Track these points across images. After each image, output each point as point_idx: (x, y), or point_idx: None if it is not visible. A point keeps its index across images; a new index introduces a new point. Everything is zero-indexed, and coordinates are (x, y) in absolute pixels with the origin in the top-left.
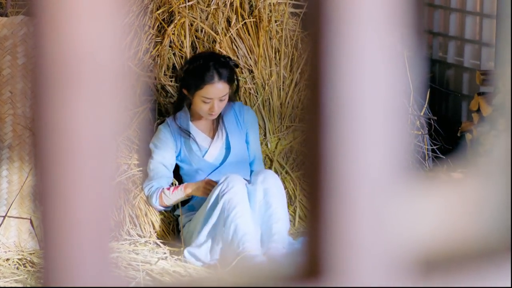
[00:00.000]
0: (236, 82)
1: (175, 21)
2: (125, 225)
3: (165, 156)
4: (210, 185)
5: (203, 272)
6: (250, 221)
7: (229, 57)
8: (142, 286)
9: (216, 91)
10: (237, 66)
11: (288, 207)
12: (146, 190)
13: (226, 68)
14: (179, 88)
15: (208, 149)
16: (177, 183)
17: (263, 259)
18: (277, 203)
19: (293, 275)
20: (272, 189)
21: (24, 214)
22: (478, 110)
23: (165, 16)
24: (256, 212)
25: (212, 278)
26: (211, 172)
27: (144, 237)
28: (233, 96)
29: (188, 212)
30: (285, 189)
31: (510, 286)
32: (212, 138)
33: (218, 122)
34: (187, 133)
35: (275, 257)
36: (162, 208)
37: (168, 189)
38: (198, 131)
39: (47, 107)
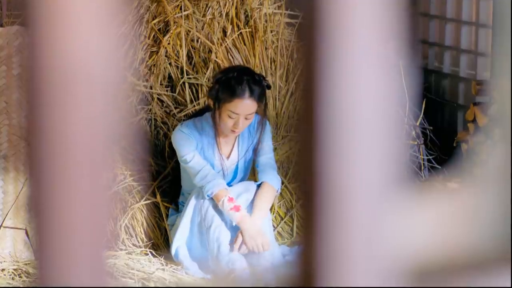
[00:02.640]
0: (265, 102)
1: (171, 31)
2: (121, 235)
3: (194, 150)
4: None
5: (198, 282)
6: (232, 235)
7: (263, 76)
8: None
9: (244, 107)
10: (269, 87)
11: (284, 216)
12: (198, 180)
13: (259, 86)
14: (207, 97)
15: (221, 170)
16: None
17: (252, 274)
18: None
19: (287, 284)
20: (256, 200)
21: (20, 225)
22: (474, 120)
23: (161, 26)
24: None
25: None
26: None
27: (140, 247)
28: (261, 113)
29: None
30: (282, 199)
31: None
32: (228, 157)
33: (235, 141)
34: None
35: (266, 272)
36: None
37: (231, 200)
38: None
39: (42, 117)
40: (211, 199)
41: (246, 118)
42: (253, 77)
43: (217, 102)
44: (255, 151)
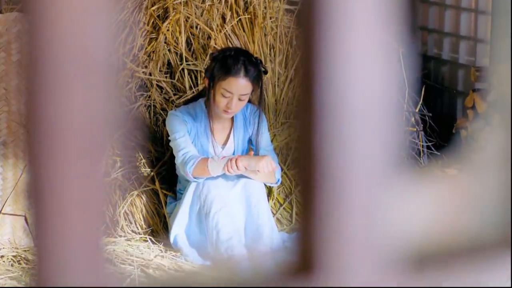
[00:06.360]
0: (260, 87)
1: (170, 18)
2: (120, 222)
3: (186, 132)
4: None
5: (197, 269)
6: (231, 221)
7: (261, 60)
8: (136, 283)
9: (238, 86)
10: (266, 72)
11: (283, 203)
12: (180, 155)
13: (255, 67)
14: (203, 78)
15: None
16: None
17: (251, 260)
18: (262, 203)
19: (286, 271)
20: (254, 187)
21: (19, 211)
22: (473, 107)
23: (160, 13)
24: (239, 209)
25: (207, 275)
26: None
27: (140, 234)
28: (256, 101)
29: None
30: (281, 186)
31: (510, 277)
32: (224, 145)
33: (230, 130)
34: (207, 126)
35: (265, 258)
36: (193, 179)
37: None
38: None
39: (41, 104)
40: (210, 192)
41: (239, 99)
42: (250, 58)
43: (212, 80)
44: (256, 142)
